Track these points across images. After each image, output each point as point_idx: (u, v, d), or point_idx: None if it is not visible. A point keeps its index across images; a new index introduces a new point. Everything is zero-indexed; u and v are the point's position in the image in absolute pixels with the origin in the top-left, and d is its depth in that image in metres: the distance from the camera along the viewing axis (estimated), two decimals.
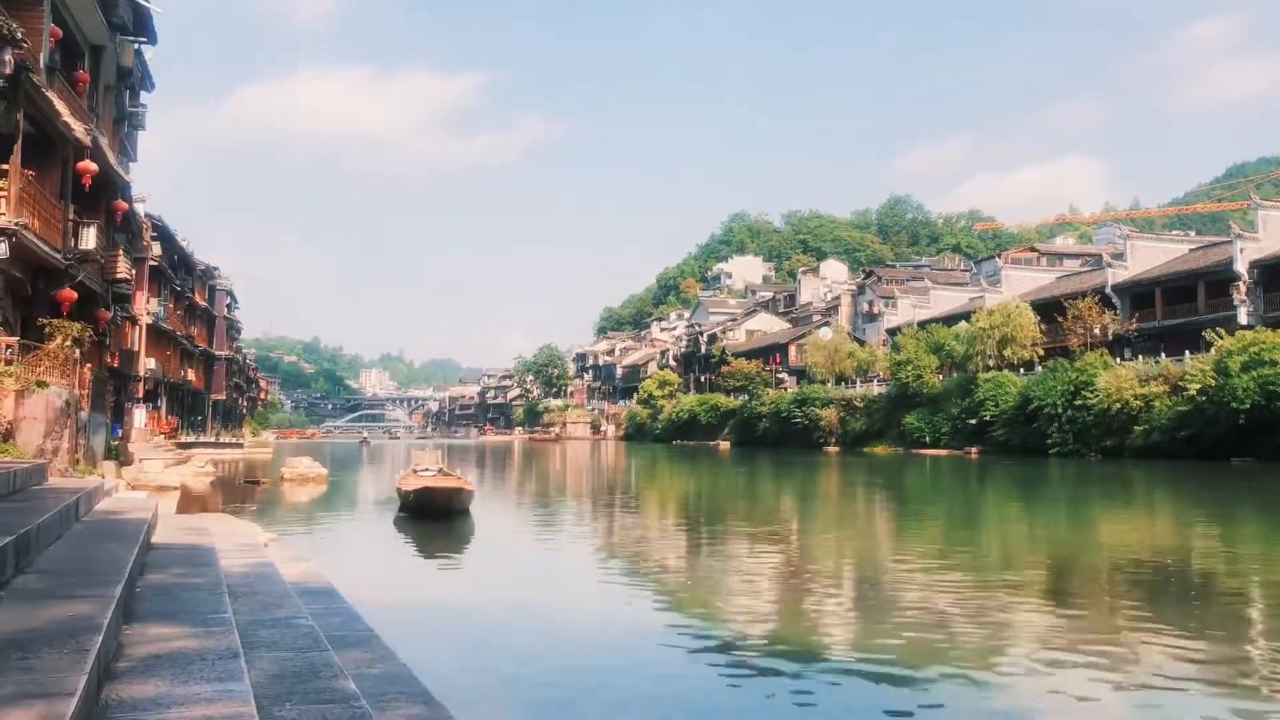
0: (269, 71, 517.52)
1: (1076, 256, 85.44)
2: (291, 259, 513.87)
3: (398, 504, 20.28)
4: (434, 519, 18.57)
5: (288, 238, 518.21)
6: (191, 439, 53.72)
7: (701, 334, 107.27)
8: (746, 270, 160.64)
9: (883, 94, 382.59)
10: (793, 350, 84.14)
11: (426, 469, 22.85)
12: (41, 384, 15.08)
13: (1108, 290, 53.76)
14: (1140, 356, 46.05)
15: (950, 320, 62.67)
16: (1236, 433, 36.26)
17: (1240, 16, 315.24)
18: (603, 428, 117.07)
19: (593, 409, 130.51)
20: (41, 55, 18.80)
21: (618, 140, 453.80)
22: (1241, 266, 46.17)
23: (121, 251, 25.61)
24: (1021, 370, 51.63)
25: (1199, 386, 37.93)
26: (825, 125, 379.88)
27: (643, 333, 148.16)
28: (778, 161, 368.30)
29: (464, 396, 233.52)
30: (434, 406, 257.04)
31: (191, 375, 61.82)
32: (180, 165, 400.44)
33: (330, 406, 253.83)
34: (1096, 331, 51.49)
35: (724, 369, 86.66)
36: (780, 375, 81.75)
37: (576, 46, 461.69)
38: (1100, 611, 10.28)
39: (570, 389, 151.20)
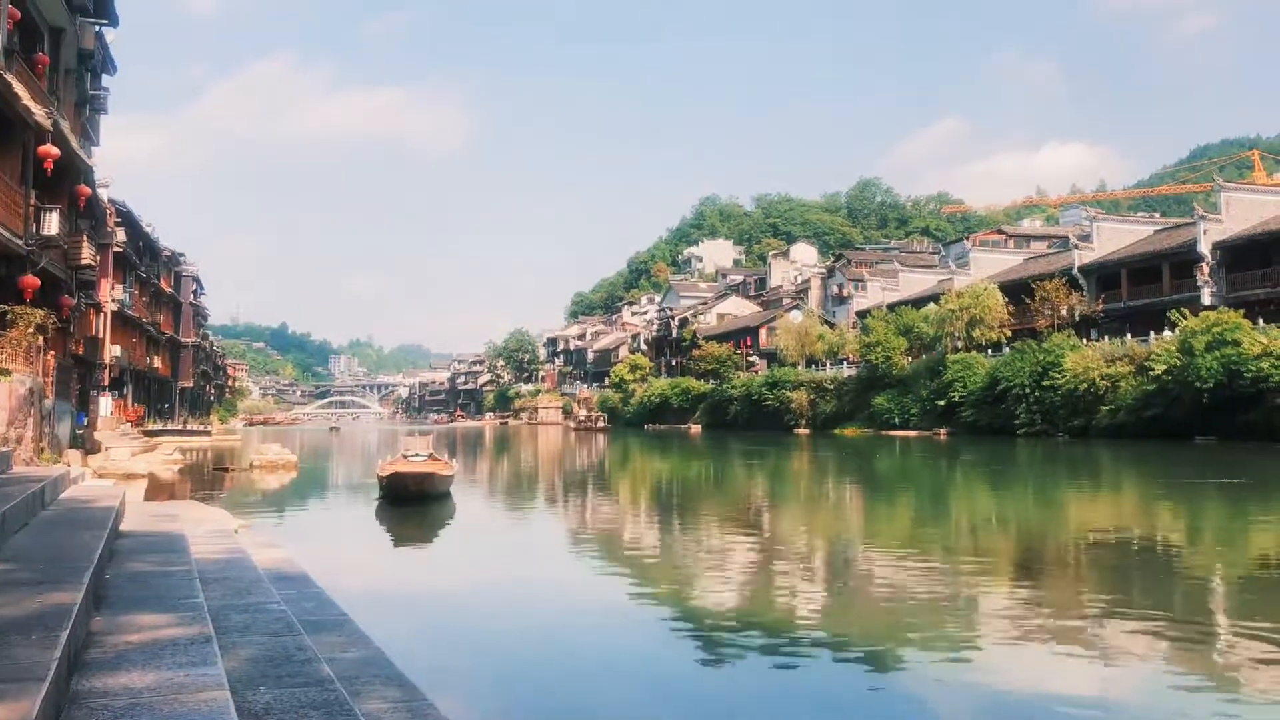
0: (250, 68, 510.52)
1: (1044, 238, 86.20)
2: (258, 245, 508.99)
3: (377, 490, 20.11)
4: (411, 503, 18.45)
5: (254, 224, 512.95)
6: (158, 426, 53.16)
7: (672, 318, 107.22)
8: (717, 254, 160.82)
9: (853, 79, 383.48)
10: (763, 333, 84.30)
11: (416, 454, 22.62)
12: (4, 372, 14.85)
13: (1074, 271, 54.30)
14: (1106, 337, 46.56)
15: (919, 302, 63.05)
16: (1200, 412, 36.78)
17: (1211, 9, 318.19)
18: (574, 412, 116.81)
19: (564, 394, 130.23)
20: None
21: (587, 126, 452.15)
22: (1205, 248, 46.77)
23: (85, 237, 25.22)
24: (990, 351, 52.06)
25: (1164, 367, 38.41)
26: (795, 109, 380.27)
27: (614, 317, 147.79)
28: (748, 145, 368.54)
29: (434, 382, 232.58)
30: (404, 393, 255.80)
31: (158, 362, 61.06)
32: (165, 157, 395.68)
33: (299, 393, 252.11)
34: (1064, 312, 52.04)
35: (695, 352, 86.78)
36: (751, 358, 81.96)
37: (551, 35, 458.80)
38: (1067, 590, 10.42)
39: (541, 374, 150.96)
